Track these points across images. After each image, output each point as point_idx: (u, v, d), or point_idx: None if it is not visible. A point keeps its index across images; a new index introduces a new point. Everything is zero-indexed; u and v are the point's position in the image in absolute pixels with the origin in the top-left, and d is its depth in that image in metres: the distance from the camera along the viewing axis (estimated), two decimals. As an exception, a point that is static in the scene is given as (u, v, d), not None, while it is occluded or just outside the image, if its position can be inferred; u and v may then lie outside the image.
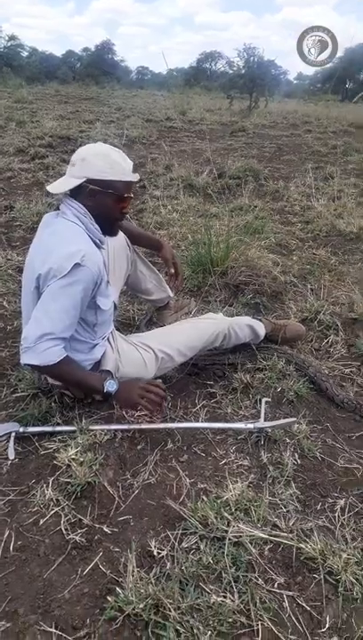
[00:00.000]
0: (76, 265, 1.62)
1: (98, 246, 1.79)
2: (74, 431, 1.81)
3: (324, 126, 12.29)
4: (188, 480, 1.68)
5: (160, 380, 1.88)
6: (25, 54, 39.84)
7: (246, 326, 2.23)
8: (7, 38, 36.64)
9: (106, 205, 1.77)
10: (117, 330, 2.49)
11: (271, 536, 1.48)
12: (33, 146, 7.43)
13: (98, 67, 41.67)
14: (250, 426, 1.83)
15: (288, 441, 1.86)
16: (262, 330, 2.32)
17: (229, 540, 1.44)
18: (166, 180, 5.68)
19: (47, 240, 1.75)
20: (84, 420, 1.87)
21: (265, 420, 1.86)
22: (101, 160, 1.73)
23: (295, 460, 1.79)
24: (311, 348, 2.53)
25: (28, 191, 5.31)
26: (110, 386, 1.77)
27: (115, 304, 2.03)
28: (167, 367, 2.06)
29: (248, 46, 17.46)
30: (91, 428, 1.82)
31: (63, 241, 1.69)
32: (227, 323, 2.15)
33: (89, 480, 1.61)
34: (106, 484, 1.64)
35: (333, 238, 4.20)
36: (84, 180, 1.71)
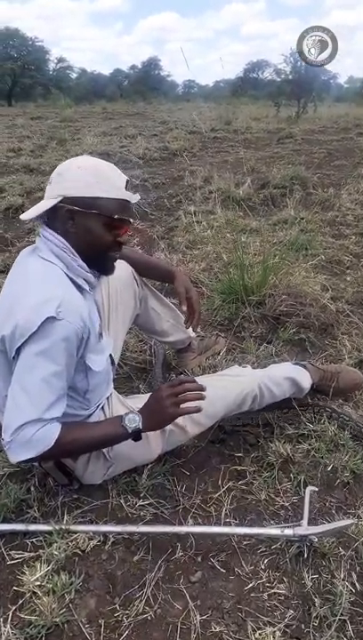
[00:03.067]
0: (50, 320, 1.18)
1: (82, 290, 1.35)
2: (51, 532, 1.36)
3: (378, 128, 11.51)
4: (198, 617, 1.19)
5: (182, 376, 1.40)
6: (74, 75, 40.87)
7: (284, 380, 1.72)
8: (56, 61, 37.70)
9: (91, 232, 1.31)
10: (125, 376, 2.05)
11: None
12: (69, 163, 7.21)
13: (145, 83, 42.10)
14: (289, 532, 1.32)
15: (343, 553, 1.33)
16: (306, 380, 1.80)
17: None
18: (205, 194, 5.22)
19: (11, 288, 1.32)
20: (66, 517, 1.42)
21: (310, 522, 1.35)
22: (83, 172, 1.29)
23: (353, 584, 1.26)
24: (373, 401, 1.98)
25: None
26: (132, 421, 1.31)
27: (112, 359, 1.58)
28: (179, 441, 1.57)
29: (295, 51, 16.80)
30: (72, 528, 1.37)
31: (31, 288, 1.25)
32: (257, 379, 1.65)
33: (57, 621, 1.15)
34: (83, 620, 1.18)
35: (394, 253, 3.59)
36: (60, 199, 1.28)
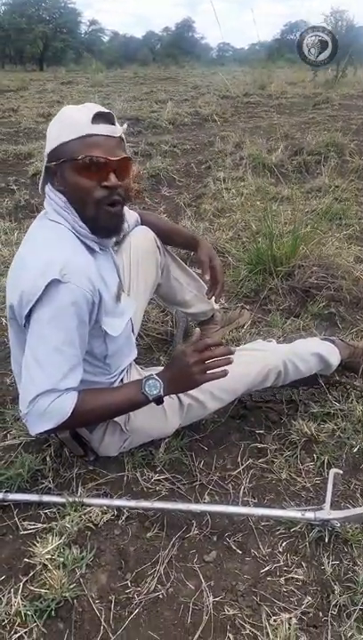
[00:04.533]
0: (54, 282, 1.11)
1: (93, 251, 1.28)
2: (64, 504, 1.33)
3: None
4: (211, 598, 1.15)
5: (208, 339, 1.27)
6: (106, 39, 39.97)
7: (311, 356, 1.63)
8: (88, 23, 36.86)
9: (68, 183, 1.19)
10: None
11: None
12: (98, 129, 7.07)
13: (178, 46, 40.95)
14: (310, 516, 1.26)
15: (366, 540, 1.27)
16: (335, 356, 1.71)
17: None
18: (235, 160, 5.04)
19: (18, 254, 1.26)
20: (80, 489, 1.40)
21: (333, 506, 1.28)
22: (52, 123, 1.22)
23: (377, 572, 1.20)
24: None
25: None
26: (152, 388, 1.24)
27: (133, 326, 1.51)
28: (197, 416, 1.52)
29: (336, 10, 15.97)
30: (86, 501, 1.34)
31: (35, 252, 1.19)
32: (282, 355, 1.56)
33: (67, 596, 1.13)
34: (94, 596, 1.15)
35: None
36: (46, 159, 1.23)
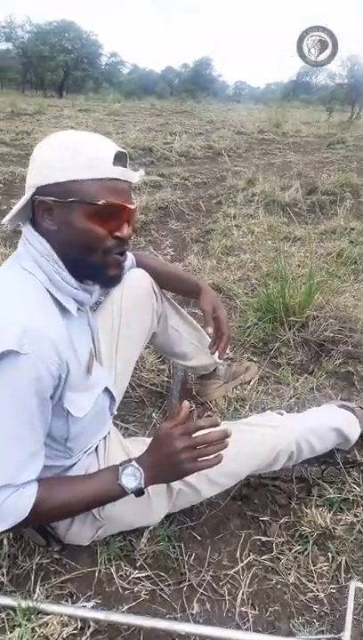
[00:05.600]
0: (12, 354, 0.86)
1: (66, 311, 1.03)
2: (15, 609, 1.07)
3: None
4: None
5: (200, 421, 1.02)
6: (126, 71, 40.94)
7: (329, 432, 1.37)
8: (108, 55, 37.84)
9: (73, 227, 0.96)
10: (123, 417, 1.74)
11: None
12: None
13: (195, 82, 41.87)
14: (324, 651, 0.99)
15: None
16: (355, 429, 1.46)
17: None
18: (247, 196, 4.88)
19: None
20: (38, 587, 1.13)
21: (354, 631, 1.01)
22: (56, 151, 0.95)
23: None
24: None
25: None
26: (131, 479, 1.00)
27: (112, 394, 1.26)
28: (189, 502, 1.24)
29: (352, 54, 16.30)
30: (43, 608, 1.07)
31: None
32: (295, 433, 1.30)
33: None
34: None
35: None
36: (33, 190, 0.95)
